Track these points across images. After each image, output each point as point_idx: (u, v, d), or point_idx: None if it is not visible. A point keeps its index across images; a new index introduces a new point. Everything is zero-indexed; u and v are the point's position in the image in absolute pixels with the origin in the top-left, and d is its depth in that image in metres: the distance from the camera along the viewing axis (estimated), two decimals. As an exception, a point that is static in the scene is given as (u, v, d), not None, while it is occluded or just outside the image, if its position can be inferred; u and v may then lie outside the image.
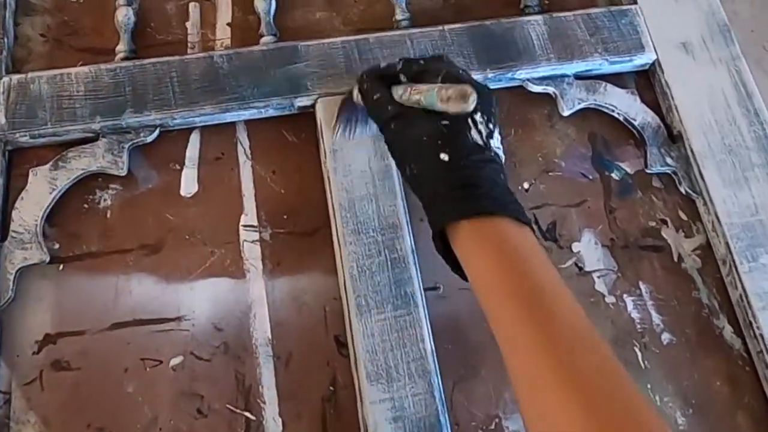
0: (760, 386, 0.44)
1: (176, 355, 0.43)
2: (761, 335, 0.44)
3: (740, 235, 0.46)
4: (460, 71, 0.39)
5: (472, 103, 0.35)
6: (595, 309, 0.46)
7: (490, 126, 0.37)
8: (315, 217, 0.47)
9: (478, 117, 0.37)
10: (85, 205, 0.46)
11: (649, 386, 0.44)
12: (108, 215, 0.46)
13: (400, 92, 0.39)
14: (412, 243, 0.45)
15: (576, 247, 0.48)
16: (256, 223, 0.47)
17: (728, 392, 0.44)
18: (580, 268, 0.47)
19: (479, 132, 0.36)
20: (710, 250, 0.48)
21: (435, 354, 0.42)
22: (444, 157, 0.35)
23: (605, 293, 0.46)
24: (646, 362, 0.45)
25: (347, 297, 0.43)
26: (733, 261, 0.46)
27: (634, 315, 0.46)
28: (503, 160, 0.38)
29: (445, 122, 0.36)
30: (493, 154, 0.37)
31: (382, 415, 0.40)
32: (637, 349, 0.45)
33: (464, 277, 0.36)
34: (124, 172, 0.46)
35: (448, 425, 0.40)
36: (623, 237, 0.48)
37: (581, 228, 0.48)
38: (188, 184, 0.48)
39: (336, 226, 0.45)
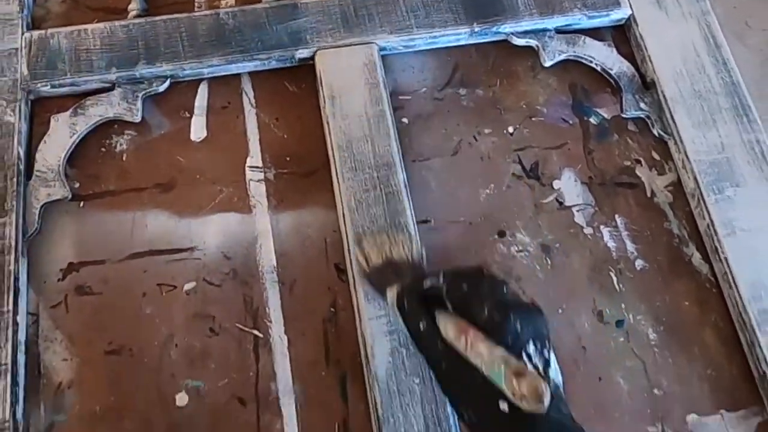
0: (726, 307, 0.48)
1: (189, 281, 0.46)
2: (725, 259, 0.48)
3: (708, 170, 0.50)
4: (505, 294, 0.35)
5: (546, 403, 0.31)
6: (573, 240, 0.50)
7: (545, 354, 0.34)
8: (315, 159, 0.51)
9: (531, 349, 0.34)
10: (103, 149, 0.50)
11: (623, 306, 0.48)
12: (124, 158, 0.50)
13: (451, 333, 0.35)
14: (405, 179, 0.48)
15: (557, 184, 0.51)
16: (260, 165, 0.51)
17: (696, 312, 0.48)
18: (561, 203, 0.51)
19: (535, 366, 0.33)
20: (680, 186, 0.52)
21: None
22: (503, 406, 0.32)
23: (584, 225, 0.50)
24: (620, 286, 0.48)
25: (346, 228, 0.47)
26: (701, 194, 0.50)
27: (610, 244, 0.50)
28: (562, 386, 0.35)
29: None
30: (553, 389, 0.33)
31: (378, 329, 0.44)
32: (612, 275, 0.49)
33: None
34: (138, 119, 0.50)
35: (439, 340, 0.44)
36: (600, 175, 0.52)
37: (562, 167, 0.52)
38: (197, 130, 0.51)
39: (335, 164, 0.49)
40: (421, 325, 0.36)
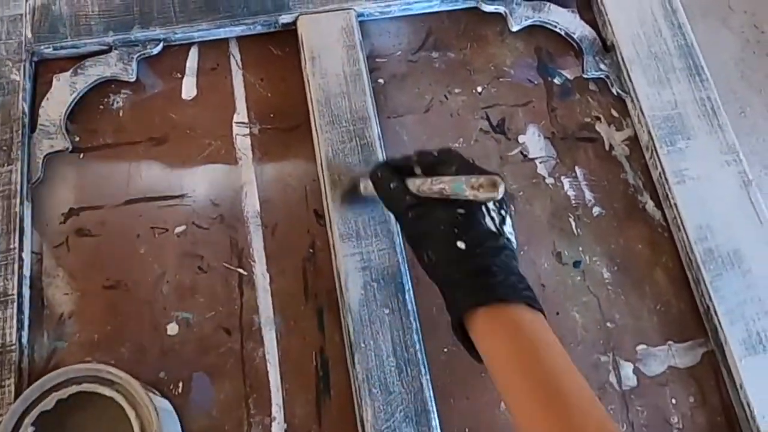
0: (675, 249, 0.52)
1: (180, 225, 0.50)
2: (675, 204, 0.51)
3: (661, 125, 0.54)
4: (472, 163, 0.41)
5: (501, 191, 0.36)
6: (536, 189, 0.53)
7: (502, 213, 0.39)
8: (296, 116, 0.54)
9: (490, 204, 0.39)
10: (101, 106, 0.54)
11: (580, 249, 0.51)
12: (120, 114, 0.54)
13: (418, 183, 0.40)
14: (380, 133, 0.52)
15: (521, 138, 0.55)
16: (246, 121, 0.54)
17: (648, 253, 0.52)
18: (525, 156, 0.54)
19: (492, 219, 0.38)
20: (637, 141, 0.55)
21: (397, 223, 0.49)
22: (461, 245, 0.37)
23: (545, 176, 0.54)
24: (578, 230, 0.52)
25: (324, 176, 0.51)
26: (655, 146, 0.53)
27: (570, 193, 0.53)
28: (515, 246, 0.40)
29: (460, 211, 0.38)
30: (506, 240, 0.39)
31: (352, 265, 0.48)
32: (571, 220, 0.52)
33: (480, 361, 0.37)
34: (133, 79, 0.54)
35: (408, 274, 0.48)
36: (562, 130, 0.55)
37: (526, 123, 0.56)
38: (188, 89, 0.55)
39: (314, 119, 0.53)
40: (392, 185, 0.41)
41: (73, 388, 0.38)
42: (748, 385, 0.46)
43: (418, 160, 0.42)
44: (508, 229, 0.39)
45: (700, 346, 0.49)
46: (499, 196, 0.36)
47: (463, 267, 0.37)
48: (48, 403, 0.38)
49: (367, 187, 0.45)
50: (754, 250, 0.50)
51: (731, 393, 0.47)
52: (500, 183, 0.36)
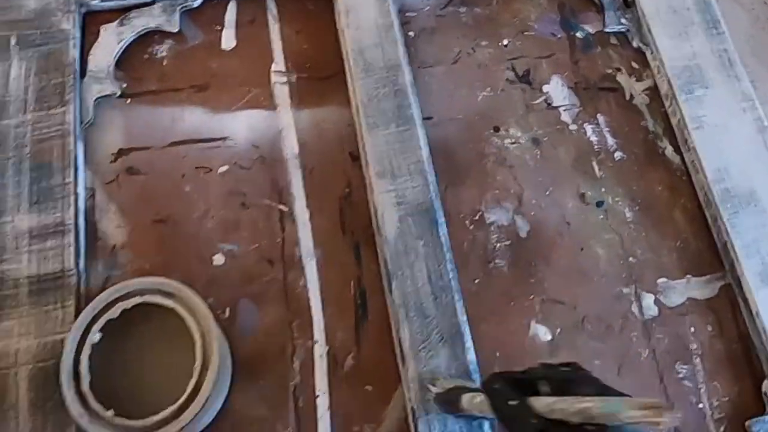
0: (693, 191, 0.54)
1: (223, 165, 0.53)
2: (694, 148, 0.53)
3: (680, 75, 0.56)
4: (610, 387, 0.35)
5: (669, 420, 0.30)
6: (560, 134, 0.55)
7: None
8: (331, 66, 0.57)
9: None
10: (146, 56, 0.56)
11: (603, 190, 0.53)
12: (164, 63, 0.56)
13: (550, 401, 0.34)
14: (412, 78, 0.54)
15: (546, 88, 0.57)
16: (284, 70, 0.57)
17: (668, 195, 0.54)
18: (549, 104, 0.56)
19: None
20: (656, 90, 0.58)
21: (431, 161, 0.51)
22: None
23: (569, 122, 0.56)
24: (601, 173, 0.54)
25: (359, 119, 0.53)
26: (674, 95, 0.55)
27: (593, 139, 0.55)
28: None
29: None
30: None
31: (388, 201, 0.50)
32: (594, 164, 0.54)
33: None
34: (175, 30, 0.57)
35: (441, 210, 0.50)
36: (585, 81, 0.58)
37: (550, 74, 0.58)
38: (228, 40, 0.57)
39: (349, 67, 0.55)
40: (512, 403, 0.35)
41: (137, 299, 0.41)
42: (764, 313, 0.48)
43: (547, 375, 0.36)
44: None
45: (717, 279, 0.51)
46: (666, 425, 0.30)
47: None
48: (114, 312, 0.41)
49: (474, 401, 0.39)
50: (769, 190, 0.53)
51: (747, 322, 0.50)
52: (666, 411, 0.30)
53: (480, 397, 0.38)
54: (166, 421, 0.39)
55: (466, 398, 0.40)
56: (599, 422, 0.33)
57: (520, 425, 0.36)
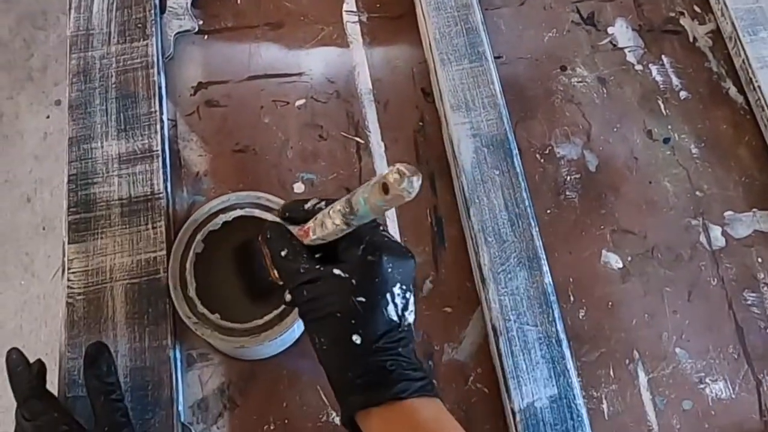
0: (759, 130, 0.55)
1: (300, 98, 0.54)
2: (759, 87, 0.54)
3: (744, 17, 0.56)
4: (381, 234, 0.35)
5: (417, 185, 0.29)
6: (626, 74, 0.56)
7: (407, 295, 0.34)
8: (401, 6, 0.57)
9: (396, 289, 0.33)
10: (220, -5, 0.58)
11: (669, 127, 0.54)
12: (239, 2, 0.57)
13: (310, 226, 0.34)
14: (482, 17, 0.55)
15: (610, 30, 0.58)
16: (355, 9, 0.57)
17: (732, 133, 0.54)
18: (614, 45, 0.57)
19: (395, 306, 0.33)
20: (719, 33, 0.58)
21: (503, 96, 0.52)
22: (356, 339, 0.32)
23: (634, 63, 0.56)
24: (667, 111, 0.55)
25: (432, 55, 0.54)
26: (738, 36, 0.56)
27: (658, 78, 0.56)
28: (413, 327, 0.35)
29: (361, 299, 0.32)
30: (406, 327, 0.34)
31: (463, 132, 0.51)
32: (660, 102, 0.55)
33: None
34: (249, -30, 0.57)
35: (514, 141, 0.50)
36: (649, 23, 0.58)
37: (615, 17, 0.58)
38: (300, -19, 0.59)
39: (420, 5, 0.56)
40: (283, 253, 0.35)
41: (237, 212, 0.42)
42: (831, 243, 0.50)
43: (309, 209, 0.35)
44: (409, 315, 0.34)
45: (782, 213, 0.53)
46: (414, 190, 0.29)
47: (356, 364, 0.33)
48: (215, 224, 0.42)
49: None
50: (834, 127, 0.53)
51: (814, 252, 0.51)
52: (417, 174, 0.29)
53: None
54: (269, 326, 0.40)
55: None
56: (357, 224, 0.32)
57: (288, 275, 0.35)
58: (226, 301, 0.42)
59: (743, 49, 0.56)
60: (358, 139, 0.53)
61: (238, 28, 0.56)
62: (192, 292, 0.41)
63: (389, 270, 0.33)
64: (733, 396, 0.46)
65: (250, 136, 0.52)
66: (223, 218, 0.43)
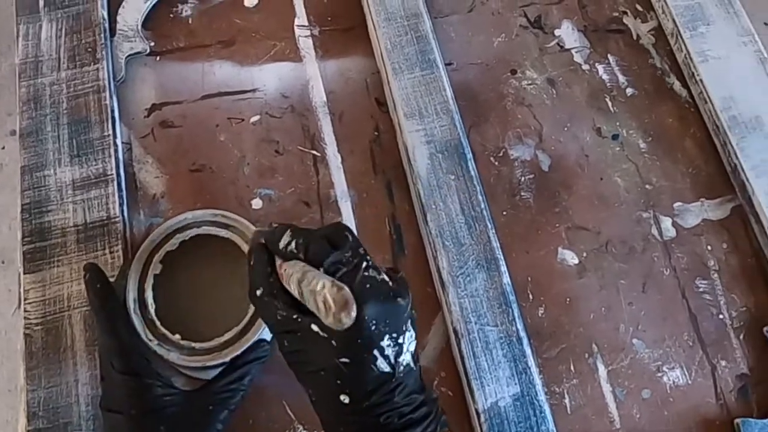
0: (703, 122, 0.56)
1: (255, 115, 0.53)
2: (701, 80, 0.55)
3: (684, 13, 0.58)
4: (362, 282, 0.30)
5: (350, 320, 0.27)
6: (574, 74, 0.57)
7: (401, 341, 0.31)
8: (351, 19, 0.57)
9: (385, 342, 0.30)
10: (171, 15, 0.56)
11: (617, 124, 0.55)
12: (190, 21, 0.56)
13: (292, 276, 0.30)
14: (432, 26, 0.55)
15: (557, 32, 0.58)
16: (306, 24, 0.57)
17: (678, 126, 0.55)
18: (561, 47, 0.58)
19: (386, 358, 0.30)
20: (661, 31, 0.59)
21: (455, 102, 0.52)
22: (344, 399, 0.30)
23: (581, 63, 0.57)
24: (614, 108, 0.56)
25: (384, 65, 0.54)
26: (679, 32, 0.57)
27: (604, 77, 0.57)
28: (416, 364, 0.32)
29: (344, 360, 0.29)
30: (402, 373, 0.31)
31: (417, 139, 0.51)
32: (607, 100, 0.56)
33: None
34: (199, -11, 0.57)
35: (468, 146, 0.51)
36: (594, 24, 0.59)
37: (561, 19, 0.59)
38: (250, -2, 0.58)
39: (371, 16, 0.56)
40: (258, 292, 0.31)
41: (194, 231, 0.42)
42: (775, 228, 0.51)
43: (299, 240, 0.31)
44: (406, 357, 0.31)
45: (728, 201, 0.53)
46: (347, 325, 0.26)
47: (347, 423, 0.30)
48: (173, 244, 0.42)
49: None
50: (773, 115, 0.55)
51: (760, 237, 0.51)
52: (351, 305, 0.26)
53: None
54: (230, 342, 0.39)
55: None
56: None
57: (268, 319, 0.32)
58: (187, 320, 0.42)
59: (684, 44, 0.57)
60: (314, 152, 0.53)
61: (191, 48, 0.55)
62: (152, 314, 0.41)
63: (373, 327, 0.29)
64: (690, 382, 0.47)
65: (207, 154, 0.52)
66: (180, 237, 0.42)
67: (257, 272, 0.32)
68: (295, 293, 0.29)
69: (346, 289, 0.27)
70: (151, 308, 0.40)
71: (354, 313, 0.27)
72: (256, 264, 0.32)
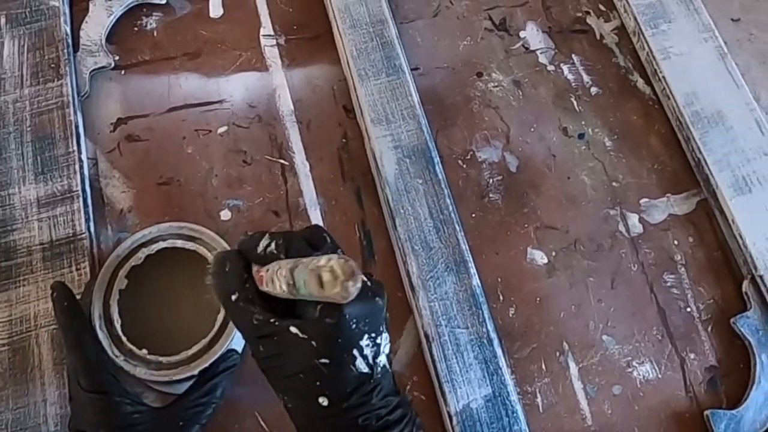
0: (666, 118, 0.56)
1: (222, 126, 0.52)
2: (663, 77, 0.55)
3: (645, 11, 0.58)
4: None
5: (356, 290, 0.26)
6: (539, 75, 0.57)
7: (378, 341, 0.31)
8: (317, 27, 0.57)
9: (364, 341, 0.30)
10: (136, 28, 0.56)
11: (583, 123, 0.55)
12: (155, 34, 0.56)
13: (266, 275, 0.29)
14: (397, 32, 0.55)
15: (522, 34, 0.58)
16: (272, 33, 0.56)
17: (642, 123, 0.56)
18: (527, 48, 0.58)
19: (365, 358, 0.30)
20: (624, 30, 0.59)
21: (421, 107, 0.52)
22: (323, 401, 0.29)
23: (547, 64, 0.57)
24: (580, 107, 0.56)
25: (351, 72, 0.53)
26: (641, 30, 0.57)
27: (569, 77, 0.57)
28: (390, 367, 0.32)
29: (324, 361, 0.29)
30: (379, 374, 0.31)
31: (385, 145, 0.51)
32: (573, 100, 0.56)
33: None
34: (164, 2, 0.56)
35: (436, 150, 0.50)
36: (558, 25, 0.59)
37: (525, 21, 0.59)
38: (215, 8, 0.57)
39: (336, 24, 0.55)
40: (233, 297, 0.30)
41: (160, 244, 0.41)
42: (739, 220, 0.50)
43: (277, 241, 0.31)
44: (382, 359, 0.31)
45: (694, 195, 0.53)
46: (352, 295, 0.26)
47: (325, 426, 0.30)
48: (138, 258, 0.41)
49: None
50: (734, 109, 0.54)
51: (724, 230, 0.52)
52: (358, 274, 0.26)
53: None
54: (198, 355, 0.39)
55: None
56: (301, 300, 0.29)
57: (241, 325, 0.31)
58: (155, 335, 0.41)
59: (646, 42, 0.57)
60: (282, 161, 0.52)
61: (156, 61, 0.54)
62: (118, 330, 0.40)
63: (353, 327, 0.29)
64: (660, 376, 0.47)
65: (174, 167, 0.51)
66: (145, 252, 0.41)
67: (232, 277, 0.31)
68: (280, 289, 0.29)
69: (352, 260, 0.27)
70: (117, 324, 0.40)
71: (360, 284, 0.26)
72: (231, 269, 0.31)
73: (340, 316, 0.29)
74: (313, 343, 0.29)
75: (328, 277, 0.26)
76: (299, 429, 0.31)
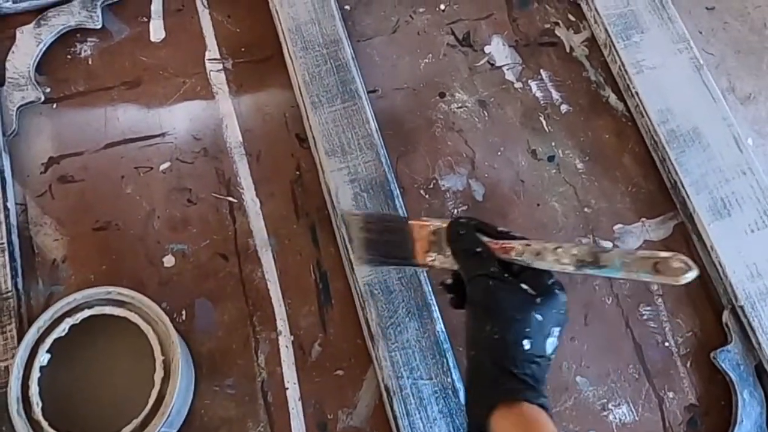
0: (640, 135, 0.50)
1: (164, 162, 0.46)
2: (636, 93, 0.49)
3: (616, 22, 0.52)
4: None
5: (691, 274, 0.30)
6: (506, 93, 0.50)
7: (558, 334, 0.34)
8: (267, 48, 0.50)
9: (556, 327, 0.34)
10: (69, 56, 0.49)
11: (553, 144, 0.49)
12: (90, 62, 0.49)
13: (518, 246, 0.34)
14: (352, 53, 0.49)
15: (487, 49, 0.52)
16: (218, 57, 0.50)
17: (615, 142, 0.50)
18: (492, 64, 0.51)
19: (552, 342, 0.33)
20: (594, 41, 0.53)
21: (379, 134, 0.46)
22: (526, 344, 0.32)
23: (514, 81, 0.51)
24: (549, 127, 0.50)
25: (303, 98, 0.47)
26: (612, 42, 0.51)
27: (538, 94, 0.51)
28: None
29: (538, 317, 0.33)
30: (546, 362, 0.34)
31: (341, 178, 0.45)
32: (542, 119, 0.50)
33: None
34: (99, 26, 0.49)
35: (395, 182, 0.45)
36: (525, 38, 0.53)
37: (490, 35, 0.53)
38: (156, 31, 0.50)
39: (287, 46, 0.49)
40: (477, 249, 0.35)
41: (85, 312, 0.35)
42: (718, 246, 0.45)
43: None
44: (552, 353, 0.34)
45: (670, 219, 0.47)
46: (687, 279, 0.29)
47: (522, 364, 0.32)
48: (62, 330, 0.35)
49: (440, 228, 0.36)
50: (711, 126, 0.48)
51: (703, 256, 0.46)
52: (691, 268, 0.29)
53: (436, 228, 0.36)
54: (129, 437, 0.34)
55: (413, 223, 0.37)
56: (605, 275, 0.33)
57: (478, 266, 0.35)
58: (82, 415, 0.35)
59: (618, 55, 0.51)
60: (230, 198, 0.46)
61: (91, 92, 0.47)
62: (38, 413, 0.34)
63: (562, 311, 0.34)
64: (637, 418, 0.42)
65: (112, 210, 0.44)
66: (69, 322, 0.35)
67: (473, 238, 0.35)
68: (558, 261, 0.33)
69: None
70: (37, 407, 0.33)
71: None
72: (470, 232, 0.36)
73: (564, 294, 0.34)
74: (538, 300, 0.34)
75: (679, 266, 0.30)
76: (492, 357, 0.33)
